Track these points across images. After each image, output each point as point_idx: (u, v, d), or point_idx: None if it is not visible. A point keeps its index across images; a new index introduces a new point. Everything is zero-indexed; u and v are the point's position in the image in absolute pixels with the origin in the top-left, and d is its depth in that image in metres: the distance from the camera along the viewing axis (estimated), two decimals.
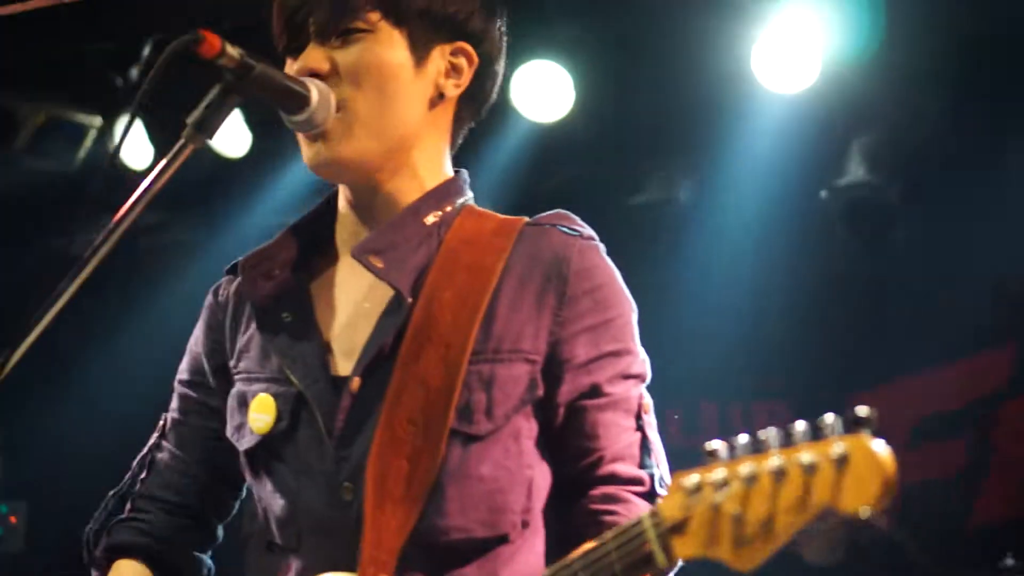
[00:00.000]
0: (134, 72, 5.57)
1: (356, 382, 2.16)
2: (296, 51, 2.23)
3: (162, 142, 5.82)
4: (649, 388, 2.25)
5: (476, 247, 2.21)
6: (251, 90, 2.10)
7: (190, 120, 2.07)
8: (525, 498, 2.17)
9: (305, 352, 2.21)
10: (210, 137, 2.09)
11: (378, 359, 2.16)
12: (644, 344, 2.26)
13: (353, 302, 2.25)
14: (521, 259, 2.20)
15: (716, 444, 1.67)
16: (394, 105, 2.23)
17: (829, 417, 1.60)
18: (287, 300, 2.26)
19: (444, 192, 2.28)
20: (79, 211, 6.36)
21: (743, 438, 1.65)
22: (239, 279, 2.34)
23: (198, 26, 4.78)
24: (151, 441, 2.45)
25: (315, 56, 2.20)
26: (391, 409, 2.12)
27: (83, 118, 6.27)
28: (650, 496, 2.17)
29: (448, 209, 2.27)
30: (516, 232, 2.23)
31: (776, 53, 5.22)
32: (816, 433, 1.61)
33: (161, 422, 2.45)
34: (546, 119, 5.75)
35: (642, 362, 2.24)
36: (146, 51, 5.43)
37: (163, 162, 2.07)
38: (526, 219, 2.27)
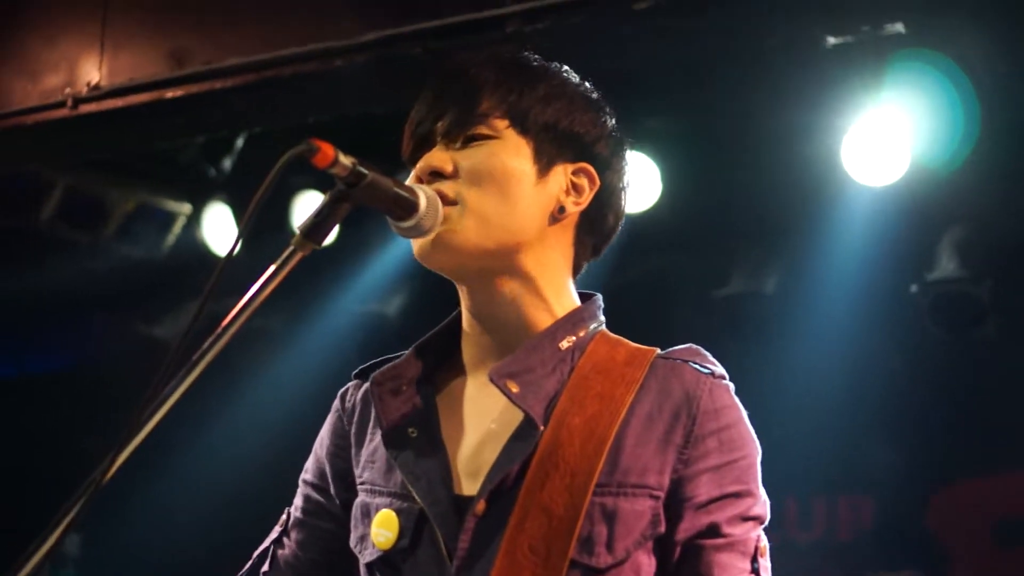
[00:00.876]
0: (227, 163, 5.66)
1: (481, 505, 2.13)
2: (417, 157, 2.22)
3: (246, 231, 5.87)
4: None
5: (607, 376, 2.19)
6: (361, 199, 2.08)
7: (300, 227, 2.07)
8: None
9: (429, 470, 2.19)
10: (319, 245, 2.08)
11: (503, 483, 2.14)
12: None
13: (480, 422, 2.23)
14: (651, 393, 2.17)
15: None
16: (513, 206, 2.20)
17: None
18: (414, 416, 2.25)
19: (579, 317, 2.25)
20: (167, 297, 6.44)
21: None
22: (366, 386, 2.33)
23: (286, 121, 4.85)
24: (273, 535, 2.44)
25: (439, 157, 2.19)
26: (513, 535, 2.09)
27: (173, 205, 6.36)
28: None
29: (582, 334, 2.23)
30: (647, 364, 2.20)
31: (867, 145, 5.18)
32: None
33: (284, 516, 2.44)
34: (633, 209, 5.74)
35: (763, 504, 2.19)
36: (239, 143, 5.53)
37: (272, 268, 2.07)
38: (657, 351, 2.24)
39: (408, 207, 2.14)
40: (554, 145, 2.22)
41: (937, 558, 6.20)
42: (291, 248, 2.06)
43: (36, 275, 6.52)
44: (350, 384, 2.41)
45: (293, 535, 2.41)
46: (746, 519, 2.15)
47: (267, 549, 2.43)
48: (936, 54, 4.80)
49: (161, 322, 6.79)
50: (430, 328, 2.33)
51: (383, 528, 2.21)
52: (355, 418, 2.36)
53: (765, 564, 2.17)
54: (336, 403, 2.41)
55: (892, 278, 5.88)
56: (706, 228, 6.00)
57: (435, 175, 2.17)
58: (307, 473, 2.42)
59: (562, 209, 2.23)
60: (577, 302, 2.28)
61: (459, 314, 2.32)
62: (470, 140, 2.20)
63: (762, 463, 2.22)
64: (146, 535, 6.64)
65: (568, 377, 2.19)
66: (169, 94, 4.41)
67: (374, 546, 2.22)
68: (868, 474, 6.15)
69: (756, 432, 2.21)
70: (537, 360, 2.20)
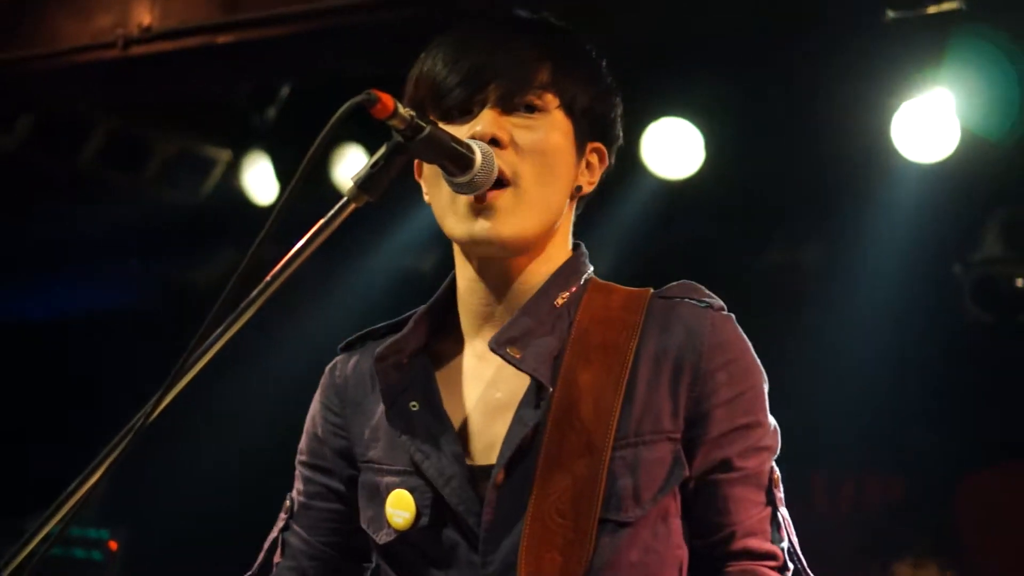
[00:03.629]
0: (271, 112, 5.64)
1: (501, 475, 2.13)
2: (462, 113, 2.20)
3: (287, 177, 5.87)
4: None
5: (607, 325, 2.19)
6: (418, 151, 2.07)
7: (354, 178, 2.05)
8: None
9: (438, 445, 2.18)
10: (373, 197, 2.06)
11: (520, 450, 2.13)
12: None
13: (485, 391, 2.22)
14: (653, 335, 2.17)
15: None
16: (558, 188, 2.22)
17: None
18: (415, 390, 2.24)
19: (569, 270, 2.25)
20: (204, 243, 6.44)
21: None
22: (355, 358, 2.33)
23: (334, 72, 4.81)
24: (279, 523, 2.41)
25: (498, 124, 2.16)
26: (539, 501, 2.09)
27: (213, 151, 6.35)
28: (782, 570, 2.15)
29: (574, 289, 2.24)
30: (645, 306, 2.20)
31: (918, 121, 5.12)
32: None
33: (287, 502, 2.41)
34: (675, 176, 5.70)
35: (773, 433, 2.20)
36: (284, 92, 5.51)
37: (324, 219, 2.05)
38: (651, 291, 2.24)
39: (464, 163, 2.12)
40: (587, 127, 2.25)
41: (962, 542, 6.18)
42: (345, 199, 2.05)
43: (74, 216, 6.53)
44: (338, 358, 2.38)
45: (301, 520, 2.38)
46: (758, 450, 2.17)
47: (276, 539, 2.40)
48: (994, 31, 4.73)
49: (197, 267, 6.80)
50: None
51: (398, 509, 2.19)
52: (348, 393, 2.33)
53: (779, 495, 2.19)
54: (325, 378, 2.38)
55: (935, 257, 5.83)
56: (748, 197, 5.96)
57: (493, 142, 2.15)
58: (303, 455, 2.38)
59: (579, 188, 2.26)
60: (569, 251, 2.29)
61: (453, 280, 2.30)
62: (524, 110, 2.18)
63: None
64: (177, 486, 6.66)
65: (568, 333, 2.19)
66: (220, 39, 4.40)
67: (390, 527, 2.19)
68: (900, 454, 6.12)
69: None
70: (535, 322, 2.19)
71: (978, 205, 5.74)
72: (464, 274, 2.26)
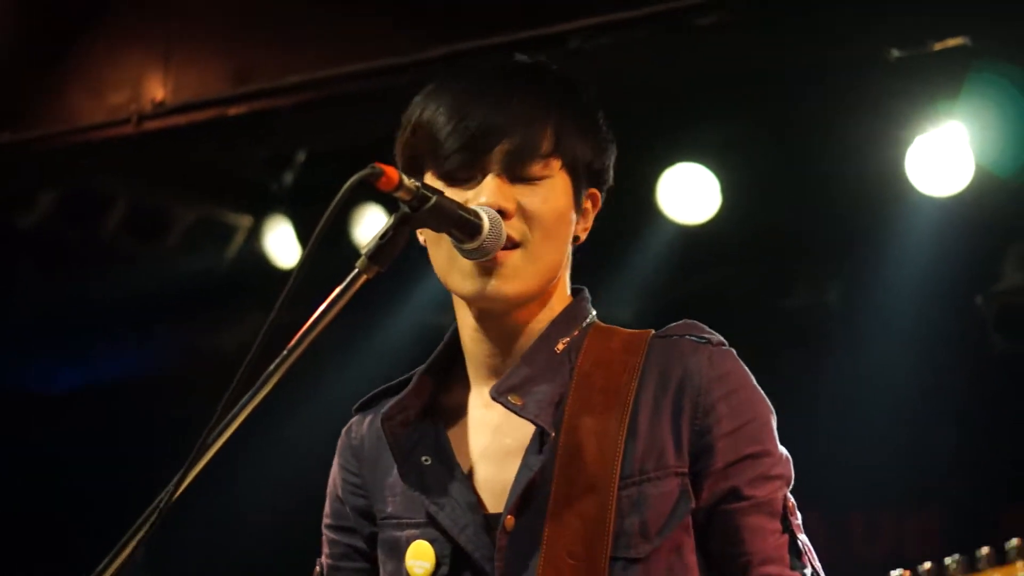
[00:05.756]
0: (288, 177, 5.69)
1: (510, 520, 2.15)
2: (465, 179, 2.21)
3: (308, 240, 5.91)
4: (796, 495, 2.21)
5: (608, 368, 2.21)
6: (426, 221, 2.10)
7: (364, 250, 2.08)
8: None
9: (451, 496, 2.21)
10: (383, 268, 2.09)
11: (529, 495, 2.15)
12: (791, 449, 2.23)
13: (494, 439, 2.24)
14: (653, 375, 2.19)
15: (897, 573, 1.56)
16: (560, 248, 2.26)
17: (1014, 541, 1.53)
18: (426, 445, 2.26)
19: (571, 316, 2.28)
20: (227, 309, 6.46)
21: (926, 566, 1.56)
22: (369, 418, 2.35)
23: (348, 140, 4.86)
24: None
25: (503, 195, 2.18)
26: (550, 545, 2.11)
27: (233, 218, 6.40)
28: None
29: (576, 333, 2.27)
30: (645, 347, 2.22)
31: (931, 155, 5.12)
32: (1000, 557, 1.52)
33: (317, 568, 2.43)
34: (692, 221, 5.71)
35: (785, 462, 2.21)
36: (300, 157, 5.56)
37: (337, 291, 2.08)
38: (652, 332, 2.26)
39: (472, 229, 2.14)
40: (586, 180, 2.29)
41: None
42: (356, 271, 2.08)
43: (100, 286, 6.57)
44: (353, 420, 2.41)
45: None
46: (768, 478, 2.17)
47: None
48: (1004, 65, 4.74)
49: (222, 334, 6.82)
50: None
51: (419, 559, 2.21)
52: (364, 453, 2.36)
53: (797, 522, 2.19)
54: (342, 440, 2.41)
55: (957, 289, 5.79)
56: (766, 239, 5.95)
57: (499, 213, 2.17)
58: (327, 518, 2.41)
59: (576, 238, 2.30)
60: (569, 297, 2.31)
61: (455, 331, 2.32)
62: (529, 178, 2.21)
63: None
64: (211, 543, 6.66)
65: (570, 378, 2.21)
66: (231, 111, 4.45)
67: None
68: (935, 489, 6.07)
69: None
70: (535, 369, 2.21)
71: (996, 236, 5.72)
72: (466, 324, 2.28)
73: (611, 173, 2.34)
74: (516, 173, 2.19)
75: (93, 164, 5.03)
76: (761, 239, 5.95)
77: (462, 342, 2.30)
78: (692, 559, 2.16)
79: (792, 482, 2.21)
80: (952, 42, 4.39)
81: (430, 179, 2.23)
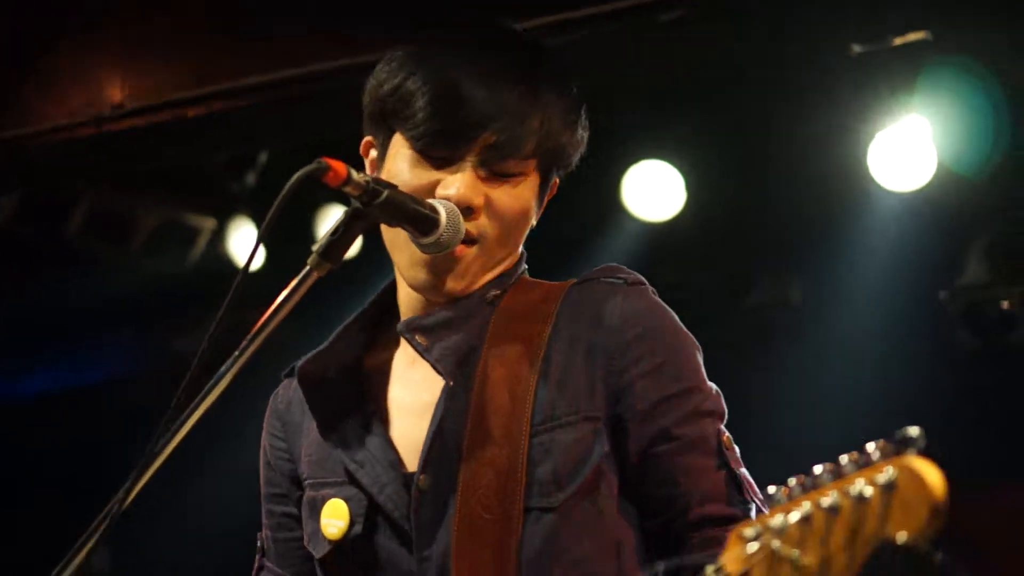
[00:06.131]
0: (250, 178, 5.67)
1: (423, 479, 2.12)
2: (438, 163, 2.16)
3: (272, 241, 5.89)
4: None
5: (524, 319, 2.18)
6: (378, 216, 2.08)
7: (315, 248, 2.06)
8: (615, 560, 2.10)
9: (370, 453, 2.17)
10: (336, 264, 2.07)
11: (442, 450, 2.12)
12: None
13: (414, 394, 2.21)
14: (567, 319, 2.15)
15: (773, 488, 1.55)
16: (517, 243, 2.26)
17: (876, 442, 1.48)
18: (345, 402, 2.23)
19: (506, 274, 2.26)
20: (192, 311, 6.43)
21: (798, 477, 1.54)
22: (296, 383, 2.31)
23: (308, 139, 4.84)
24: (255, 564, 2.41)
25: (473, 191, 2.15)
26: (464, 499, 2.08)
27: (197, 220, 6.36)
28: None
29: (505, 287, 2.24)
30: (562, 295, 2.19)
31: (894, 151, 5.13)
32: (864, 461, 1.48)
33: (258, 542, 2.41)
34: (657, 218, 5.71)
35: (715, 396, 2.15)
36: (262, 158, 5.53)
37: (288, 289, 2.06)
38: (574, 280, 2.23)
39: (428, 225, 2.11)
40: (554, 171, 2.27)
41: (973, 566, 6.13)
42: (307, 268, 2.06)
43: (62, 290, 6.53)
44: (280, 385, 2.38)
45: (271, 555, 2.37)
46: (698, 415, 2.11)
47: None
48: (964, 60, 4.75)
49: (187, 336, 6.79)
50: None
51: (332, 518, 2.18)
52: (288, 417, 2.33)
53: (735, 456, 2.12)
54: (269, 407, 2.38)
55: (921, 285, 5.81)
56: (731, 237, 5.96)
57: (466, 209, 2.14)
58: (263, 487, 2.39)
59: (534, 224, 2.28)
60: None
61: (389, 289, 2.28)
62: (505, 177, 2.18)
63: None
64: (170, 551, 6.63)
65: (488, 328, 2.17)
66: (190, 112, 4.42)
67: (324, 538, 2.18)
68: None
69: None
70: (455, 313, 2.18)
71: (960, 230, 5.74)
72: (405, 288, 2.25)
73: (577, 159, 2.31)
74: (494, 168, 2.17)
75: (53, 167, 4.99)
76: (725, 236, 5.96)
77: (398, 296, 2.26)
78: (611, 505, 2.10)
79: (725, 416, 2.14)
80: (913, 36, 4.39)
81: (398, 141, 2.19)
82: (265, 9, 4.41)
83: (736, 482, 2.10)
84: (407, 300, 2.25)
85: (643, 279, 2.19)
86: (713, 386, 2.16)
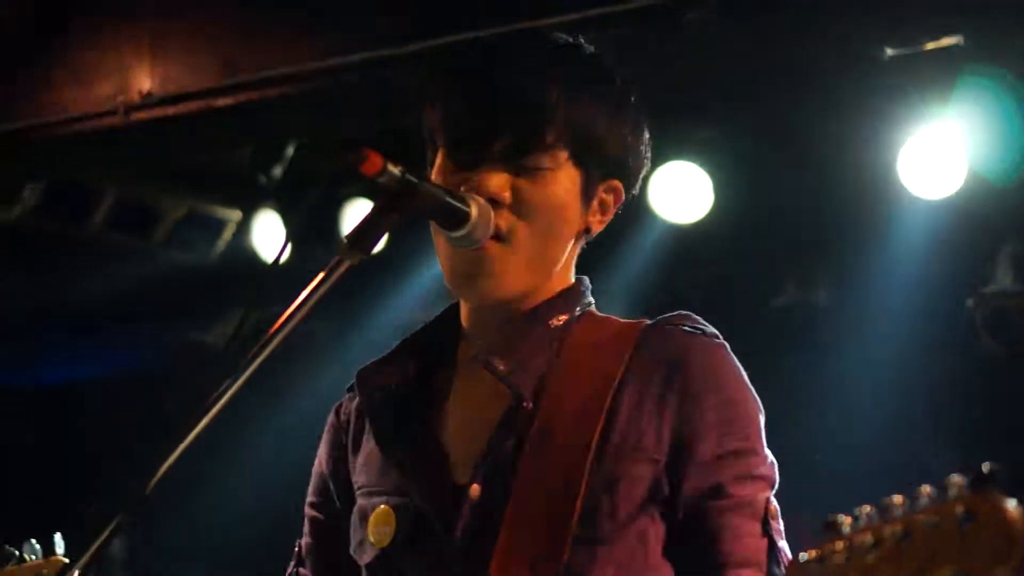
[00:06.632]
0: (277, 170, 5.66)
1: (475, 489, 2.12)
2: (465, 163, 2.17)
3: (297, 234, 5.89)
4: (780, 495, 2.15)
5: (597, 352, 2.17)
6: (410, 208, 2.06)
7: (347, 236, 2.05)
8: None
9: (424, 463, 2.18)
10: (366, 254, 2.06)
11: (498, 466, 2.12)
12: (778, 448, 2.17)
13: (472, 411, 2.21)
14: (643, 361, 2.14)
15: (837, 517, 1.53)
16: (558, 243, 2.21)
17: (955, 477, 1.47)
18: (404, 411, 2.24)
19: (568, 298, 2.24)
20: (216, 303, 6.44)
21: (866, 508, 1.52)
22: (358, 398, 2.31)
23: (335, 131, 4.85)
24: (289, 570, 2.40)
25: (498, 182, 2.15)
26: (513, 516, 2.08)
27: (222, 212, 6.37)
28: None
29: (570, 315, 2.23)
30: (637, 335, 2.18)
31: (923, 157, 5.10)
32: (942, 495, 1.47)
33: (296, 548, 2.40)
34: (684, 220, 5.69)
35: (770, 465, 2.15)
36: (289, 151, 5.53)
37: (319, 278, 2.05)
38: (647, 321, 2.22)
39: (459, 217, 2.11)
40: (600, 169, 2.22)
41: None
42: (338, 257, 2.05)
43: (87, 281, 6.54)
44: (344, 398, 2.38)
45: (308, 563, 2.36)
46: (753, 478, 2.11)
47: None
48: (996, 66, 4.72)
49: (211, 328, 6.80)
50: None
51: (379, 526, 2.18)
52: (350, 429, 2.33)
53: (778, 527, 2.11)
54: (331, 417, 2.38)
55: (948, 291, 5.79)
56: (758, 239, 5.94)
57: (492, 201, 2.13)
58: (310, 496, 2.38)
59: (588, 230, 2.25)
60: (571, 280, 2.27)
61: (454, 309, 2.29)
62: (532, 169, 2.16)
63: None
64: (192, 541, 6.64)
65: (557, 356, 2.17)
66: (219, 103, 4.43)
67: (372, 545, 2.18)
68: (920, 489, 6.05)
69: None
70: (524, 340, 2.18)
71: (988, 238, 5.72)
72: (465, 305, 2.26)
73: (640, 159, 2.26)
74: (517, 163, 2.15)
75: (80, 156, 5.00)
76: (753, 238, 5.94)
77: (461, 317, 2.27)
78: (657, 551, 2.11)
79: (776, 486, 2.15)
80: (946, 41, 4.36)
81: (441, 157, 2.21)
82: (294, 1, 4.41)
83: (775, 553, 2.10)
84: (467, 315, 2.27)
85: (718, 334, 2.19)
86: (769, 454, 2.16)
